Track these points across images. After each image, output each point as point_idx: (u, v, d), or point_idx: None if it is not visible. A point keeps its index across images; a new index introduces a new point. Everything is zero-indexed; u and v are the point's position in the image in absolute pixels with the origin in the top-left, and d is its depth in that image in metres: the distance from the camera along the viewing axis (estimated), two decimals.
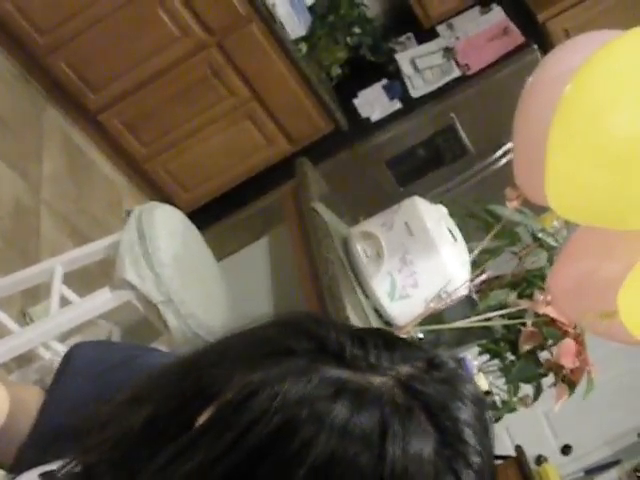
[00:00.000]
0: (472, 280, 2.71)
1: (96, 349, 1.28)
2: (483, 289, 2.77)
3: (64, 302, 2.82)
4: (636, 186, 1.37)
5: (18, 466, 1.10)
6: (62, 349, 2.67)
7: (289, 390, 0.78)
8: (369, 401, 0.78)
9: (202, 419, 0.83)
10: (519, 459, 4.86)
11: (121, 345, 1.36)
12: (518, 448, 5.11)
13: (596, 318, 1.55)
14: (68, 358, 1.22)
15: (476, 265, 2.72)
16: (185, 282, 2.60)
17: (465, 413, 0.83)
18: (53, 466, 1.02)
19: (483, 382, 2.83)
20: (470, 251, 2.75)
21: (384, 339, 0.88)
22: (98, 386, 1.14)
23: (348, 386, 0.79)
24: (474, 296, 2.84)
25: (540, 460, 5.60)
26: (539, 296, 1.96)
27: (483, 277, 2.69)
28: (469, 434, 0.82)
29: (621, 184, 1.38)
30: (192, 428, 0.84)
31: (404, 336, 2.42)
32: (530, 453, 5.34)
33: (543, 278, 2.79)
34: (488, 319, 2.62)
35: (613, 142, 1.37)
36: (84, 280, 3.15)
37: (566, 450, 5.95)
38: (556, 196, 1.53)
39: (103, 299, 2.60)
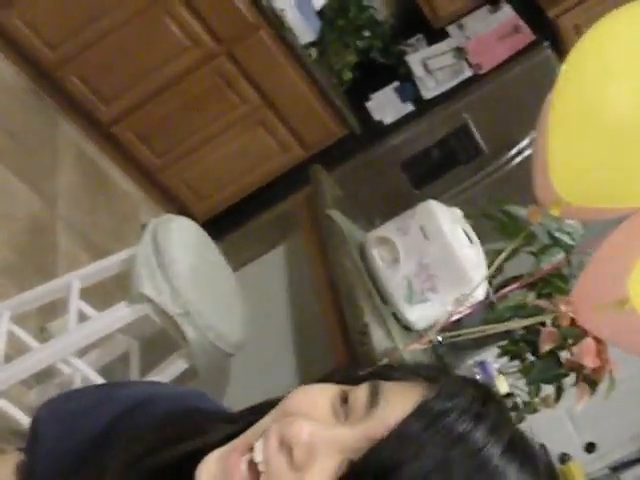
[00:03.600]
0: (492, 285, 2.70)
1: (58, 408, 1.21)
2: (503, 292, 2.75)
3: (82, 317, 2.82)
4: (637, 161, 1.37)
5: None
6: (82, 365, 2.67)
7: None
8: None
9: None
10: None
11: (86, 391, 1.30)
12: (542, 447, 5.08)
13: (608, 308, 1.53)
14: (34, 427, 1.16)
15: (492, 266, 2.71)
16: (202, 294, 2.60)
17: None
18: None
19: (504, 384, 2.82)
20: (487, 253, 2.74)
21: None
22: (68, 442, 1.11)
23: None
24: (492, 298, 2.82)
25: (564, 459, 5.56)
26: (562, 306, 1.94)
27: (508, 289, 2.68)
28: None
29: (622, 160, 1.38)
30: None
31: (426, 346, 2.41)
32: (554, 452, 5.31)
33: (561, 277, 2.78)
34: (507, 320, 2.61)
35: (611, 118, 1.37)
36: (101, 294, 3.14)
37: (590, 448, 5.91)
38: (560, 179, 1.52)
39: (121, 313, 2.60)
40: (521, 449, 0.88)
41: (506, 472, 0.84)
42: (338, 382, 0.93)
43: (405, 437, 0.82)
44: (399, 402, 0.86)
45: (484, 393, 0.90)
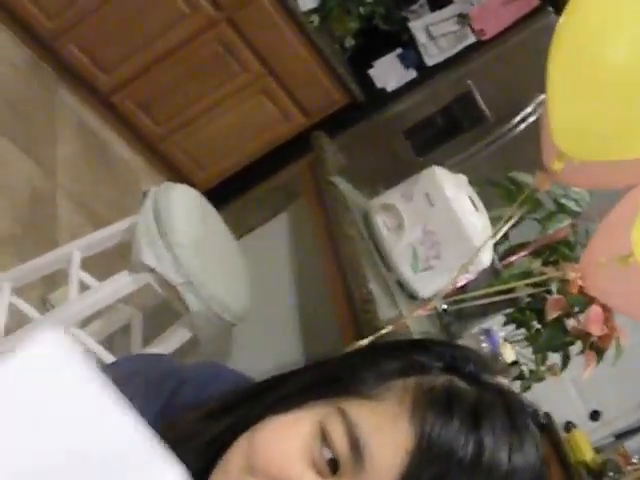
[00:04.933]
0: (498, 252, 2.68)
1: None
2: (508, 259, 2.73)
3: (83, 287, 2.80)
4: (638, 114, 1.36)
5: None
6: (83, 335, 2.65)
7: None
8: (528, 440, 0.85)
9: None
10: (548, 426, 4.83)
11: None
12: (547, 415, 5.09)
13: (612, 264, 1.51)
14: None
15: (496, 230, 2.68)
16: (204, 263, 2.57)
17: None
18: None
19: (510, 352, 2.80)
20: (493, 220, 2.71)
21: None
22: None
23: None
24: (498, 265, 2.80)
25: (569, 427, 5.57)
26: (570, 273, 1.92)
27: (515, 257, 2.66)
28: None
29: (620, 112, 1.37)
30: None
31: (431, 312, 2.39)
32: (559, 420, 5.32)
33: (567, 244, 2.76)
34: (512, 288, 2.58)
35: (611, 70, 1.36)
36: (103, 264, 3.12)
37: (595, 416, 5.92)
38: (560, 132, 1.51)
39: (122, 283, 2.58)
40: (519, 436, 0.84)
41: (516, 468, 0.81)
42: (307, 399, 0.87)
43: None
44: (385, 444, 0.80)
45: (475, 396, 0.85)
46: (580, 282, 1.87)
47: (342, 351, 0.98)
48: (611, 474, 5.00)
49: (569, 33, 1.44)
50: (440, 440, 0.79)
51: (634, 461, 5.60)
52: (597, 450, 5.42)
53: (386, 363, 0.89)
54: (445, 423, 0.79)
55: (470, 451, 0.78)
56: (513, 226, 2.60)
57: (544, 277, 2.47)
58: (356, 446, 0.80)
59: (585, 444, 5.13)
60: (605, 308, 2.47)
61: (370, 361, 0.90)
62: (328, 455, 0.81)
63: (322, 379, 0.90)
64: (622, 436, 5.92)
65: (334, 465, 0.81)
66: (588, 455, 5.04)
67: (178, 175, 5.04)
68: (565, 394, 5.74)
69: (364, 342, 2.01)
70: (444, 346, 0.93)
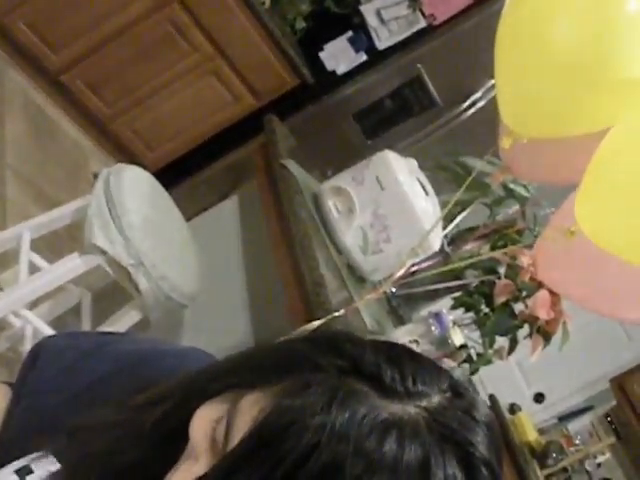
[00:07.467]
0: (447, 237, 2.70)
1: (64, 340, 1.22)
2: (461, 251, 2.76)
3: (33, 269, 2.78)
4: (580, 92, 1.40)
5: None
6: (32, 317, 2.63)
7: (334, 424, 0.76)
8: (411, 436, 0.78)
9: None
10: (493, 408, 4.90)
11: (90, 334, 1.32)
12: (492, 397, 5.15)
13: (558, 237, 1.54)
14: (36, 352, 1.17)
15: (447, 218, 2.71)
16: (155, 244, 2.57)
17: (482, 444, 0.84)
18: (25, 461, 0.99)
19: (459, 336, 2.83)
20: (442, 204, 2.73)
21: (415, 360, 0.88)
22: (69, 377, 1.12)
23: (391, 420, 0.79)
24: (447, 249, 2.83)
25: (514, 409, 5.65)
26: (523, 259, 1.94)
27: (467, 247, 2.68)
28: (485, 463, 0.84)
29: (564, 90, 1.41)
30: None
31: (376, 295, 2.40)
32: (503, 402, 5.39)
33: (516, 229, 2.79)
34: (462, 274, 2.61)
35: (552, 50, 1.40)
36: (53, 245, 3.10)
37: (539, 398, 6.00)
38: (508, 111, 1.54)
39: (72, 264, 2.56)
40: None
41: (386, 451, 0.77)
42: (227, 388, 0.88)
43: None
44: (247, 423, 0.80)
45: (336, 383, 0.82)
46: (532, 269, 1.90)
47: (286, 334, 0.98)
48: (554, 455, 5.08)
49: (514, 14, 1.48)
50: (290, 405, 0.79)
51: (576, 443, 5.69)
52: (541, 432, 5.51)
53: (292, 358, 0.88)
54: (300, 395, 0.79)
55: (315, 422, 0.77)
56: (462, 210, 2.64)
57: (490, 254, 2.50)
58: (227, 436, 0.81)
59: (529, 426, 5.21)
60: (552, 293, 2.50)
61: (278, 355, 0.90)
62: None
63: (241, 369, 0.90)
64: (565, 418, 6.01)
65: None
66: (532, 436, 5.11)
67: (127, 156, 5.01)
68: (510, 377, 5.81)
69: (315, 324, 2.03)
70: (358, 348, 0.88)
